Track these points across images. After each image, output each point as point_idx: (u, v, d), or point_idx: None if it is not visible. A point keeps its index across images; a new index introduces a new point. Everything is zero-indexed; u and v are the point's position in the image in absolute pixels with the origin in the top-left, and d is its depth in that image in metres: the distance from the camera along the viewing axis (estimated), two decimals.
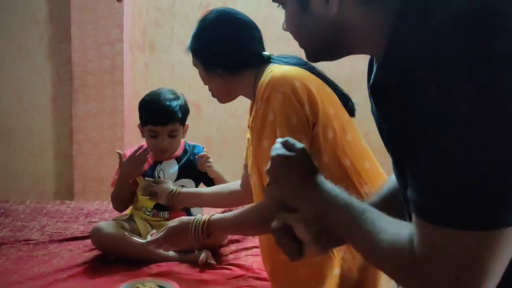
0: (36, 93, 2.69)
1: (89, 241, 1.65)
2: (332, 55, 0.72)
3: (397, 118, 0.58)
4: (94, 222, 1.85)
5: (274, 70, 1.12)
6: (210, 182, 1.72)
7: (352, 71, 2.27)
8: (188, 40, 2.98)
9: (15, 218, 1.98)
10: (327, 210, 0.67)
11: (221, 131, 2.75)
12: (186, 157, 1.74)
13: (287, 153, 0.71)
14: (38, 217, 2.00)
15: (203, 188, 1.62)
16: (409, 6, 0.58)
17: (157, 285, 1.37)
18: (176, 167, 1.70)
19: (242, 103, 2.69)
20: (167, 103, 1.60)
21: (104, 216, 2.01)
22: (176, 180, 1.68)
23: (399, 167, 0.64)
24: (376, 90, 0.65)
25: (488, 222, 0.49)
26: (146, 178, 1.64)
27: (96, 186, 2.62)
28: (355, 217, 0.63)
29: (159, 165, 1.70)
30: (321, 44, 0.70)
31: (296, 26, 0.71)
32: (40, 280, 1.41)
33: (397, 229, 0.59)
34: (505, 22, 0.49)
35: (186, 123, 1.69)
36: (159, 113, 1.59)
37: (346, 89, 1.24)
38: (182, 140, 1.78)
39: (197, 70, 1.30)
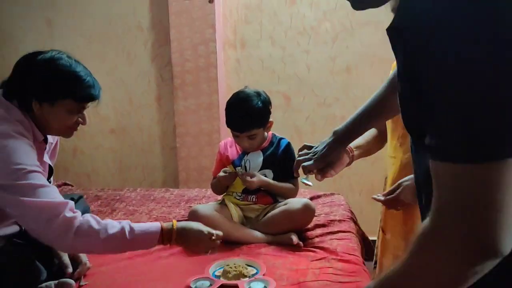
0: (144, 94, 2.98)
1: None
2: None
3: (411, 62, 0.59)
4: None
5: None
6: (285, 176, 1.78)
7: None
8: (276, 35, 3.07)
9: (128, 203, 2.23)
10: None
11: (310, 120, 2.80)
12: (272, 149, 1.82)
13: None
14: (146, 203, 2.23)
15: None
16: None
17: (246, 264, 1.48)
18: (261, 158, 1.80)
19: (331, 92, 2.73)
20: (243, 112, 1.71)
21: (202, 201, 2.18)
22: (260, 170, 1.79)
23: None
24: (391, 33, 0.66)
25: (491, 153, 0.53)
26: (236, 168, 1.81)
27: (197, 175, 2.83)
28: None
29: (246, 155, 1.82)
30: None
31: None
32: (146, 256, 1.60)
33: None
34: None
35: (270, 119, 1.77)
36: (235, 122, 1.74)
37: None
38: (270, 132, 1.86)
39: None
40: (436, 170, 0.57)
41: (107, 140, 3.09)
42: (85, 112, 1.40)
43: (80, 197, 1.87)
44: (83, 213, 1.75)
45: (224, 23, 2.81)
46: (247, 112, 1.71)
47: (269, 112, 1.77)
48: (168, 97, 2.92)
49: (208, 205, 1.84)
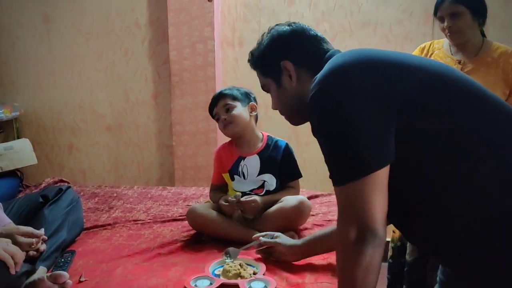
0: (140, 91, 2.97)
1: (186, 222, 1.83)
2: (305, 118, 1.08)
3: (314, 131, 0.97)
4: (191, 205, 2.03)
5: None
6: (289, 178, 1.79)
7: None
8: None
9: (126, 201, 2.23)
10: None
11: None
12: (269, 152, 1.80)
13: None
14: (144, 200, 2.23)
15: None
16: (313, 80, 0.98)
17: (246, 263, 1.48)
18: (258, 161, 1.78)
19: None
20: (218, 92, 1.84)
21: (200, 200, 2.18)
22: (258, 175, 1.77)
23: None
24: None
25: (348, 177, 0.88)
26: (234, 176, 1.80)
27: (194, 174, 2.83)
28: None
29: (242, 160, 1.80)
30: (293, 110, 1.13)
31: (277, 100, 1.15)
32: (145, 254, 1.61)
33: None
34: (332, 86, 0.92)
35: (252, 102, 1.82)
36: (211, 100, 1.83)
37: None
38: (265, 134, 1.84)
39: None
40: (335, 192, 0.93)
41: (103, 137, 3.07)
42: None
43: (68, 187, 1.88)
44: (71, 203, 1.78)
45: (222, 22, 2.81)
46: (221, 91, 1.84)
47: (248, 97, 1.84)
48: (165, 95, 2.92)
49: (206, 204, 1.83)
